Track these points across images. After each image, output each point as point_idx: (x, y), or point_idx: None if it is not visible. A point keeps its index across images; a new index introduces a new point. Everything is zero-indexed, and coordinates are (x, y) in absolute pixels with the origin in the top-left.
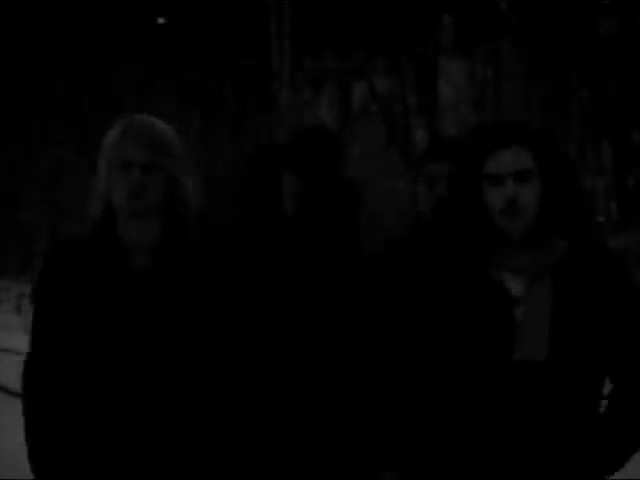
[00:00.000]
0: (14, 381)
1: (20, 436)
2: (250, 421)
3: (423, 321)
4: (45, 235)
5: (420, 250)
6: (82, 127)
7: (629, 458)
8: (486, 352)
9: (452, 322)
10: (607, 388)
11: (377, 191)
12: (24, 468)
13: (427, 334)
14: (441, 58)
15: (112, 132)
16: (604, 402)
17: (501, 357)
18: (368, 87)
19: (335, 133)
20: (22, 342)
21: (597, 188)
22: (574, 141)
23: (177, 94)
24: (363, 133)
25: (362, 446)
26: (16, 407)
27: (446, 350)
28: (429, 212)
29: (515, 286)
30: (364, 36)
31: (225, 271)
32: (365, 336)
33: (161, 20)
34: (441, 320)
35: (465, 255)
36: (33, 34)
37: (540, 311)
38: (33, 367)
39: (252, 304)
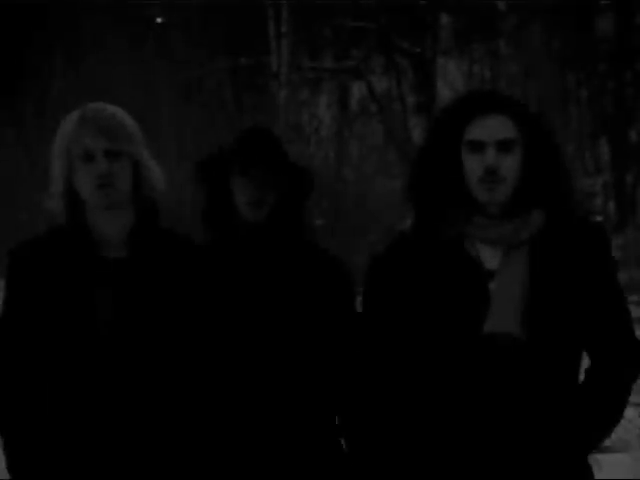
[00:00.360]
0: None
1: None
2: (214, 412)
3: (400, 297)
4: None
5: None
6: None
7: (608, 435)
8: (457, 326)
9: (427, 297)
10: (585, 363)
11: (375, 190)
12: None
13: (404, 310)
14: (439, 58)
15: (67, 123)
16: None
17: (472, 330)
18: (366, 87)
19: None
20: None
21: (595, 187)
22: (572, 141)
23: (175, 93)
24: (361, 132)
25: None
26: None
27: (421, 326)
28: None
29: (490, 258)
30: (362, 36)
31: (192, 262)
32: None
33: (159, 19)
34: (417, 296)
35: (440, 226)
36: (31, 29)
37: (514, 282)
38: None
39: (217, 296)
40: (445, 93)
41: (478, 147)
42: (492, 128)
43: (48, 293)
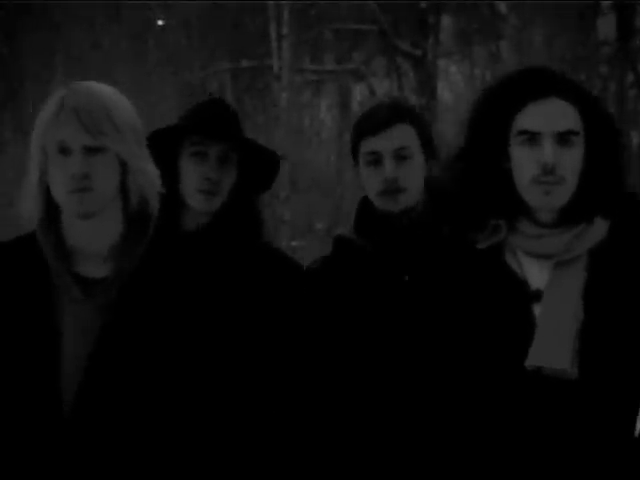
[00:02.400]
0: None
1: None
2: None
3: (424, 318)
4: None
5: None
6: None
7: None
8: (493, 358)
9: (457, 322)
10: None
11: None
12: None
13: (426, 333)
14: (440, 60)
15: (46, 107)
16: None
17: (511, 364)
18: (368, 89)
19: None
20: None
21: None
22: None
23: (177, 95)
24: None
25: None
26: None
27: (450, 355)
28: None
29: (537, 275)
30: (363, 38)
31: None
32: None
33: (160, 22)
34: (445, 318)
35: (476, 233)
36: (32, 31)
37: (565, 306)
38: None
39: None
40: (446, 95)
41: (532, 139)
42: (551, 116)
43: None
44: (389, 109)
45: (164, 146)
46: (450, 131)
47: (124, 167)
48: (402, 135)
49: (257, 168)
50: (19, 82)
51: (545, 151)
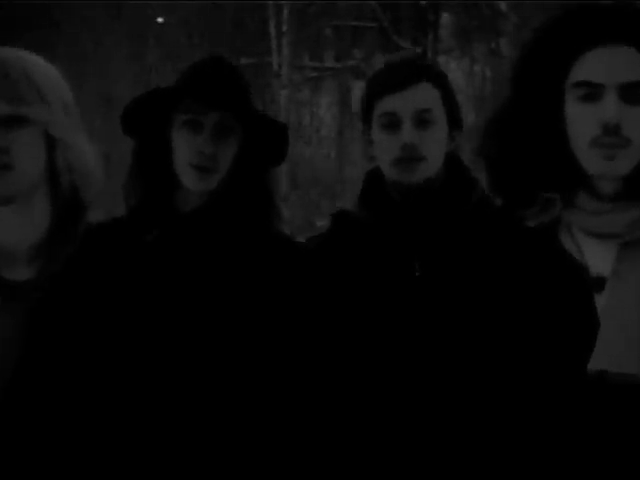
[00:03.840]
0: None
1: None
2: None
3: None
4: None
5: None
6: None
7: None
8: (550, 362)
9: (495, 319)
10: None
11: None
12: None
13: (449, 332)
14: (440, 57)
15: None
16: None
17: (570, 366)
18: None
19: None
20: None
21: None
22: None
23: None
24: None
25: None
26: None
27: (488, 361)
28: None
29: (600, 259)
30: (363, 35)
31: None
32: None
33: (160, 19)
34: (474, 314)
35: (525, 209)
36: (31, 29)
37: (633, 297)
38: None
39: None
40: None
41: (593, 93)
42: (615, 66)
43: None
44: (411, 65)
45: (153, 114)
46: None
47: (52, 143)
48: (425, 96)
49: (262, 140)
50: None
51: (607, 107)
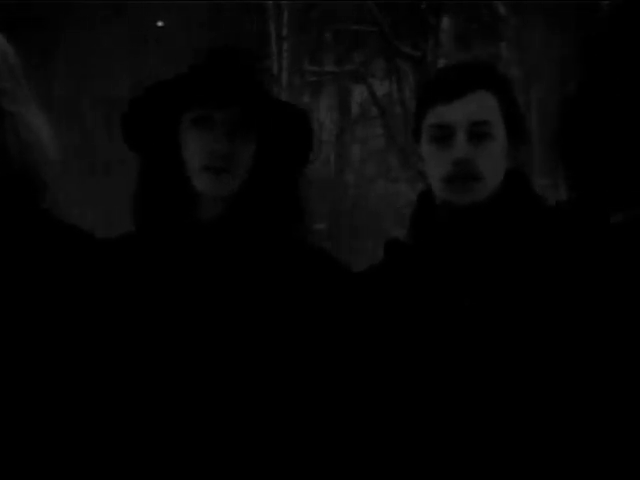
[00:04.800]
0: None
1: None
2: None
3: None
4: None
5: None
6: (82, 127)
7: None
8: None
9: (568, 357)
10: None
11: (376, 193)
12: None
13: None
14: (440, 61)
15: None
16: None
17: None
18: (367, 90)
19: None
20: None
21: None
22: None
23: None
24: (362, 136)
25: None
26: None
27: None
28: None
29: None
30: (363, 39)
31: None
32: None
33: (160, 23)
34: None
35: (605, 203)
36: (31, 32)
37: None
38: None
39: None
40: None
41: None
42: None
43: None
44: (468, 70)
45: (157, 116)
46: None
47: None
48: (482, 106)
49: (284, 134)
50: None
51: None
